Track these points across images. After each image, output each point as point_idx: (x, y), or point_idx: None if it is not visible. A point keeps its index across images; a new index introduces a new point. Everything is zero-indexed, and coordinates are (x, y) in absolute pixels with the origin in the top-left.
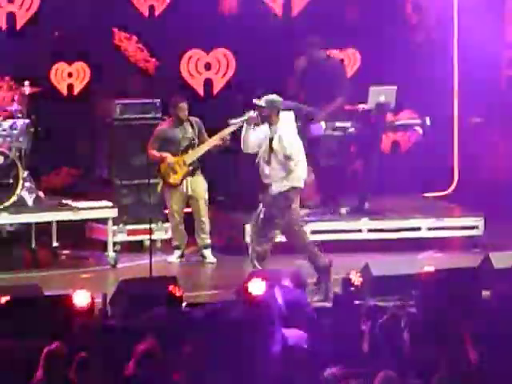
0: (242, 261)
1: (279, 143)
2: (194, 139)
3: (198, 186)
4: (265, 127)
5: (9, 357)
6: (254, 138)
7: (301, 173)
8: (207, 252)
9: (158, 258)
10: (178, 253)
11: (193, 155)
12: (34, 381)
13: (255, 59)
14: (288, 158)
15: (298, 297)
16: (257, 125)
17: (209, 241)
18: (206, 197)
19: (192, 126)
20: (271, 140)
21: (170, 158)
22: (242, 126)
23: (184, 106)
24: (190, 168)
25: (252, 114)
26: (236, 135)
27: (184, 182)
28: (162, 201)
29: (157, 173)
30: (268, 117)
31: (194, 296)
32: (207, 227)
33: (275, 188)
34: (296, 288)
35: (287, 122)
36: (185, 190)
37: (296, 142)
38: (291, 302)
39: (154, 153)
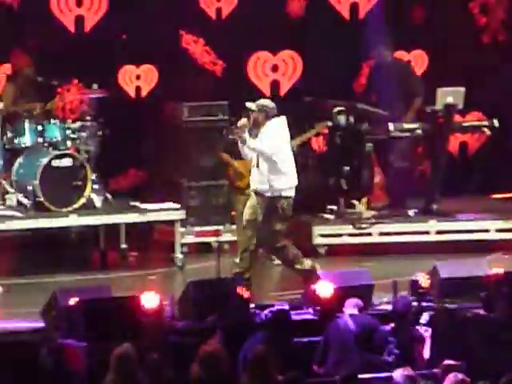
0: None
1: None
2: None
3: None
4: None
5: (79, 357)
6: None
7: (285, 182)
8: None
9: (226, 259)
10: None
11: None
12: (106, 381)
13: (322, 61)
14: (269, 159)
15: (368, 320)
16: (250, 130)
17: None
18: None
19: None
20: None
21: (237, 162)
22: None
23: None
24: None
25: (244, 121)
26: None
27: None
28: (230, 203)
29: (225, 175)
30: (256, 120)
31: (262, 297)
32: None
33: (264, 191)
34: (361, 312)
35: (275, 126)
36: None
37: (280, 146)
38: (364, 326)
39: (224, 156)
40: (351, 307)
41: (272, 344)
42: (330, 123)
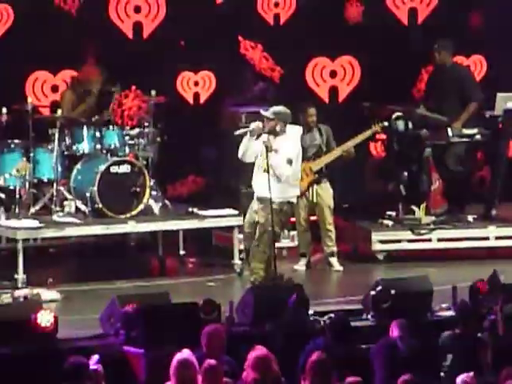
0: (368, 268)
1: (276, 156)
2: (321, 147)
3: (325, 193)
4: (263, 138)
5: (138, 364)
6: (255, 148)
7: (293, 188)
8: (333, 260)
9: (284, 265)
10: (304, 260)
11: (319, 163)
12: None
13: (380, 66)
14: (279, 174)
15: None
16: (259, 136)
17: (335, 248)
18: (332, 205)
19: (320, 133)
20: (269, 151)
21: None
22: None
23: (312, 111)
24: (317, 176)
25: (257, 124)
26: (357, 146)
27: (310, 189)
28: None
29: None
30: (273, 128)
31: (320, 303)
32: (333, 235)
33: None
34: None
35: (297, 135)
36: (311, 198)
37: (293, 157)
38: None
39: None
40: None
41: (331, 350)
42: (386, 123)
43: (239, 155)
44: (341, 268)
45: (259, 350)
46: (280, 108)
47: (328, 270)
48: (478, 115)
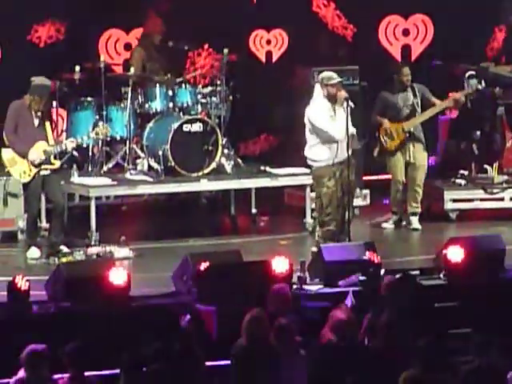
0: (441, 227)
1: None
2: (415, 107)
3: (420, 154)
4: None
5: (210, 321)
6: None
7: None
8: (414, 219)
9: (356, 224)
10: (394, 218)
11: (412, 123)
12: (236, 345)
13: (453, 25)
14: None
15: None
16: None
17: (418, 210)
18: (426, 167)
19: (414, 93)
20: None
21: (386, 123)
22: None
23: (406, 70)
24: (407, 135)
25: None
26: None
27: (406, 149)
28: (362, 166)
29: (376, 139)
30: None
31: (393, 262)
32: (419, 197)
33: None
34: None
35: None
36: (407, 158)
37: None
38: None
39: (375, 117)
40: None
41: (396, 309)
42: (480, 86)
43: (337, 137)
44: (419, 227)
45: (341, 313)
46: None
47: (404, 229)
48: None
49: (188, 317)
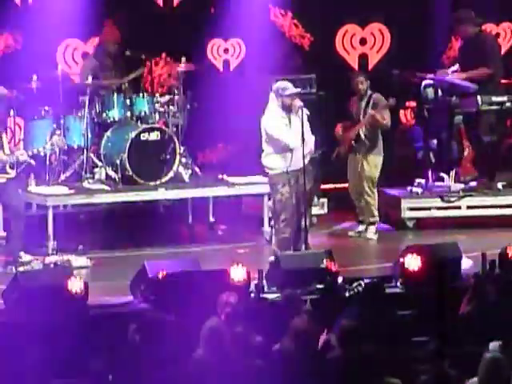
0: (398, 235)
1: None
2: (361, 116)
3: (369, 163)
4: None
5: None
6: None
7: None
8: (371, 228)
9: (314, 232)
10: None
11: (354, 131)
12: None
13: (410, 34)
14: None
15: None
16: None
17: (374, 219)
18: (375, 176)
19: (368, 102)
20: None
21: (339, 129)
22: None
23: (361, 79)
24: (354, 143)
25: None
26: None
27: (358, 159)
28: (320, 176)
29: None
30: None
31: (351, 271)
32: (370, 206)
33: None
34: None
35: None
36: (358, 168)
37: None
38: None
39: (338, 128)
40: None
41: (366, 318)
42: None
43: (292, 146)
44: (375, 237)
45: (301, 321)
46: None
47: (360, 237)
48: (508, 84)
49: (134, 326)
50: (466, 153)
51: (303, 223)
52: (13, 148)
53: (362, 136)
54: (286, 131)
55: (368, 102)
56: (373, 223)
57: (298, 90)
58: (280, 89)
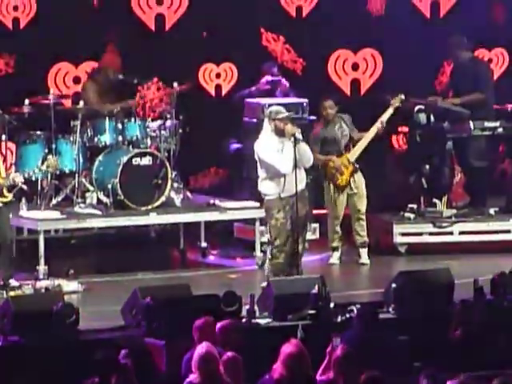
0: (390, 261)
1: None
2: (351, 136)
3: (359, 183)
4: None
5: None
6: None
7: None
8: (363, 251)
9: (305, 258)
10: (337, 254)
11: (355, 152)
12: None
13: (403, 59)
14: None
15: None
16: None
17: (367, 239)
18: (365, 194)
19: (346, 123)
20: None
21: (335, 159)
22: (392, 114)
23: (330, 103)
24: (356, 165)
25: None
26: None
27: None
28: (310, 202)
29: (324, 176)
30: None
31: (343, 296)
32: (365, 224)
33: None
34: None
35: None
36: (348, 190)
37: None
38: None
39: (319, 156)
40: None
41: (360, 342)
42: (402, 96)
43: (283, 171)
44: (368, 262)
45: (292, 346)
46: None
47: (352, 262)
48: (500, 109)
49: (125, 351)
50: (457, 178)
51: (297, 248)
52: (6, 172)
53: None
54: (277, 156)
55: (345, 122)
56: (365, 244)
57: (291, 113)
58: (273, 112)
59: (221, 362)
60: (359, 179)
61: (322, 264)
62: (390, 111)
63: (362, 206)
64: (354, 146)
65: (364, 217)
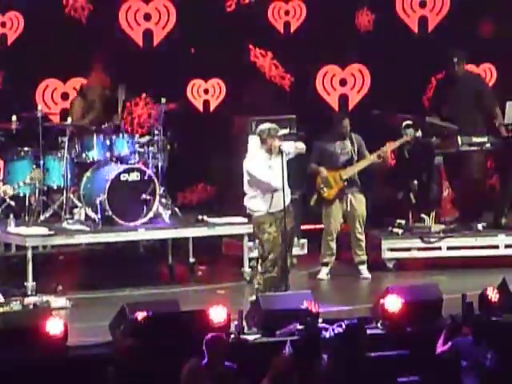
0: (378, 276)
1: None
2: (352, 155)
3: (358, 202)
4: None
5: (148, 372)
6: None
7: None
8: (363, 267)
9: (295, 273)
10: (326, 270)
11: (350, 171)
12: None
13: (391, 74)
14: None
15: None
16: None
17: (365, 257)
18: (365, 214)
19: (352, 142)
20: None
21: (324, 171)
22: (402, 144)
23: (347, 122)
24: (346, 184)
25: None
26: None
27: (344, 198)
28: (300, 216)
29: (312, 187)
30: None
31: (331, 312)
32: (363, 244)
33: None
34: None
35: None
36: (345, 207)
37: None
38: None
39: (312, 165)
40: None
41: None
42: (419, 133)
43: (276, 186)
44: (369, 276)
45: (281, 362)
46: None
47: (344, 278)
48: (489, 124)
49: (112, 368)
50: (446, 193)
51: (285, 264)
52: None
53: (356, 175)
54: (269, 173)
55: (352, 141)
56: (363, 262)
57: (286, 131)
58: (272, 129)
59: (212, 375)
60: (359, 199)
61: (312, 278)
62: (399, 142)
63: (360, 226)
64: (351, 165)
65: (362, 236)
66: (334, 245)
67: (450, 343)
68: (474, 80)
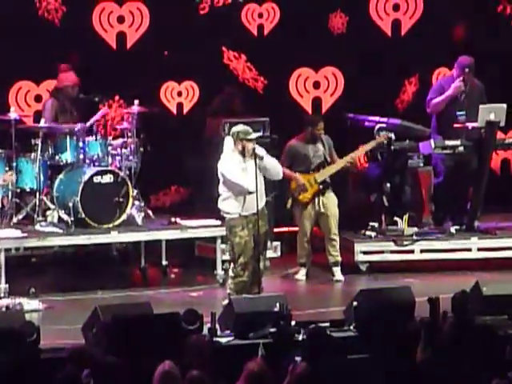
0: (351, 279)
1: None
2: (326, 158)
3: (330, 203)
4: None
5: (120, 376)
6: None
7: None
8: (336, 269)
9: (267, 276)
10: (304, 270)
11: (324, 174)
12: None
13: (364, 77)
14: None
15: None
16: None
17: (339, 258)
18: (337, 214)
19: (323, 144)
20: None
21: (300, 179)
22: (375, 147)
23: (322, 124)
24: (321, 186)
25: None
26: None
27: (316, 199)
28: (273, 219)
29: (287, 190)
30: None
31: (304, 314)
32: (337, 245)
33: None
34: None
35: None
36: (317, 208)
37: None
38: None
39: (285, 170)
40: None
41: (310, 362)
42: (392, 135)
43: (250, 189)
44: (342, 278)
45: (254, 365)
46: None
47: (316, 281)
48: (461, 128)
49: (87, 371)
50: (418, 196)
51: (258, 267)
52: None
53: (328, 178)
54: (243, 175)
55: (323, 143)
56: (337, 263)
57: (259, 134)
58: (241, 133)
59: (185, 380)
60: (331, 199)
61: (285, 281)
62: (371, 144)
63: (334, 226)
64: (324, 168)
65: (336, 237)
66: (309, 246)
67: None
68: (479, 86)
